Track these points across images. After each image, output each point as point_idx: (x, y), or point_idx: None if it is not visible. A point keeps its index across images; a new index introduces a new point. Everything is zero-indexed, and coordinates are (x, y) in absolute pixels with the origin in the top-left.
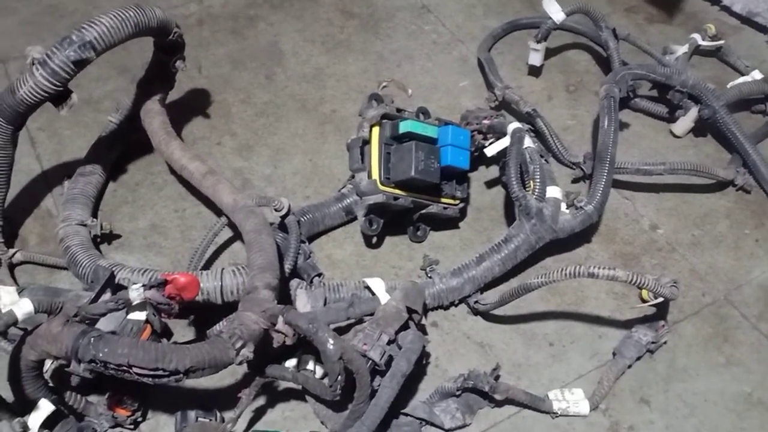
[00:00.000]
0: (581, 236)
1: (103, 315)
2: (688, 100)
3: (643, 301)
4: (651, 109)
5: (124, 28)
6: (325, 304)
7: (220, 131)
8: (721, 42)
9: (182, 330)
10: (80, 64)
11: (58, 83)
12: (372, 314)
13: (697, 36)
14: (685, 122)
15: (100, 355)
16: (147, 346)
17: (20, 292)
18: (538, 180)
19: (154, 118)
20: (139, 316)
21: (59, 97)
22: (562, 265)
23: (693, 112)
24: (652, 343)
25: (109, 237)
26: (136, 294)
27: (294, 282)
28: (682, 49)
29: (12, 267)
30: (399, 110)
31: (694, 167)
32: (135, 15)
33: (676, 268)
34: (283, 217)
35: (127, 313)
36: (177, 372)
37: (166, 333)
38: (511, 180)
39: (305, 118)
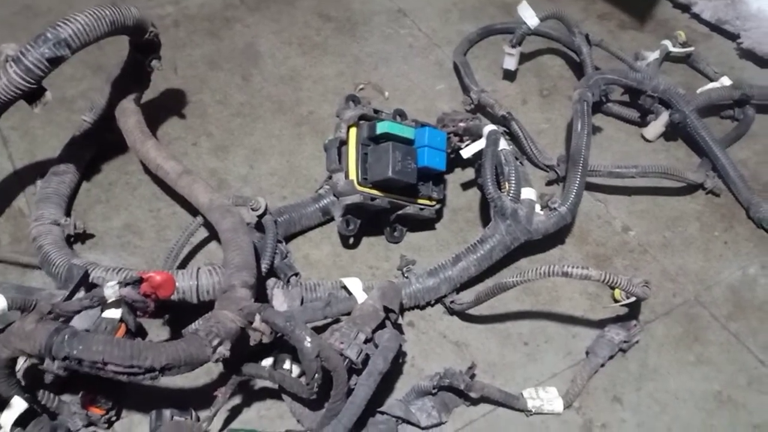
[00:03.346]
0: (555, 237)
1: (78, 312)
2: (659, 104)
3: (616, 301)
4: (623, 114)
5: (99, 26)
6: (302, 303)
7: (196, 132)
8: (691, 49)
9: (157, 330)
10: (55, 62)
11: (32, 81)
12: (349, 313)
13: (667, 42)
14: (656, 126)
15: (75, 352)
16: (122, 343)
17: None
18: (513, 181)
19: (129, 117)
20: (114, 314)
21: (33, 94)
22: (536, 265)
23: (664, 117)
24: (625, 342)
25: (83, 236)
26: (111, 291)
27: (271, 281)
28: (653, 55)
29: None
30: (376, 111)
31: (665, 170)
32: (111, 13)
33: (647, 269)
34: (260, 217)
35: (102, 311)
36: (152, 369)
37: (140, 332)
38: (487, 181)
39: (282, 119)
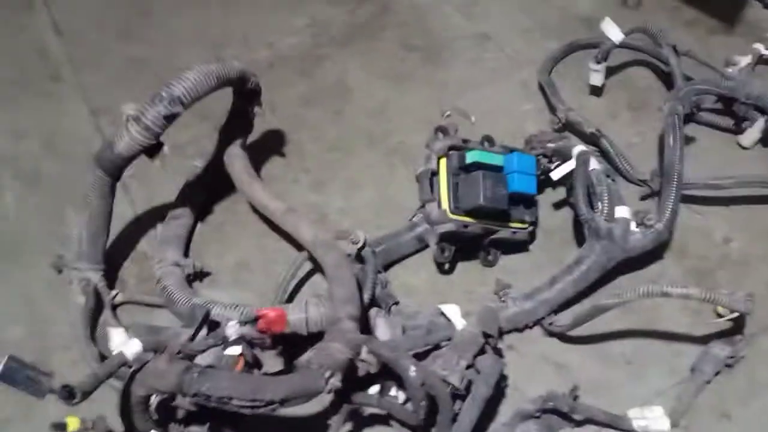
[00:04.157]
0: (653, 253)
1: (203, 351)
2: (755, 111)
3: (719, 316)
4: (717, 122)
5: (208, 82)
6: (403, 331)
7: (295, 169)
8: None
9: (271, 360)
10: (170, 119)
11: (151, 137)
12: (449, 340)
13: (760, 46)
14: (752, 133)
15: (203, 389)
16: (245, 379)
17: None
18: (605, 201)
19: (236, 161)
20: (235, 350)
21: (152, 149)
22: (635, 285)
23: (760, 123)
24: (730, 357)
25: (201, 275)
26: (232, 330)
27: (373, 311)
28: (745, 60)
29: (114, 308)
30: (465, 140)
31: (763, 179)
32: (217, 69)
33: (751, 280)
34: (360, 250)
35: (224, 348)
36: (272, 402)
37: (257, 364)
38: (579, 202)
39: (374, 151)
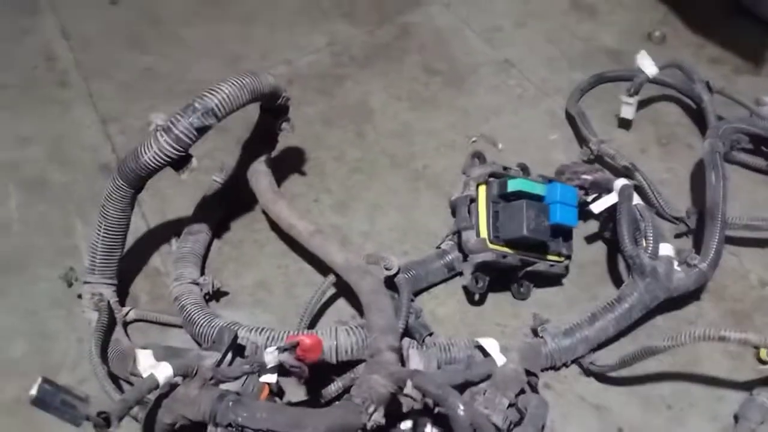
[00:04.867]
0: (690, 294)
1: (238, 378)
2: None
3: (761, 361)
4: (749, 162)
5: (242, 95)
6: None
7: (317, 188)
8: None
9: (291, 389)
10: (203, 131)
11: (181, 149)
12: (488, 376)
13: None
14: None
15: (239, 419)
16: (284, 410)
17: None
18: (650, 238)
19: (261, 179)
20: (269, 378)
21: (180, 161)
22: (690, 329)
23: None
24: None
25: (218, 294)
26: (271, 357)
27: (405, 341)
28: None
29: (125, 325)
30: (505, 168)
31: None
32: (251, 82)
33: None
34: (393, 276)
35: (260, 376)
36: None
37: (280, 392)
38: (624, 238)
39: (398, 174)
